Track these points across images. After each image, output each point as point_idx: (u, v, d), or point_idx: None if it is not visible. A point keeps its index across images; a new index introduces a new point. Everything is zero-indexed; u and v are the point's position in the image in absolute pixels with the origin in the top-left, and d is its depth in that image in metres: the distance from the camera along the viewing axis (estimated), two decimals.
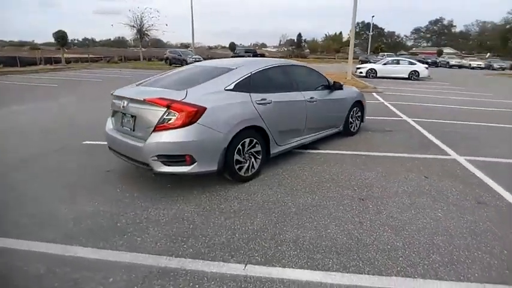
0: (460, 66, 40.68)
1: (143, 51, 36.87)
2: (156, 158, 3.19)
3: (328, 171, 4.10)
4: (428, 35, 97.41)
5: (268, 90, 4.08)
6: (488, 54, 58.11)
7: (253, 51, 36.63)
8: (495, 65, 39.36)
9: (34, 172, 3.96)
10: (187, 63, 26.99)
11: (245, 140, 3.62)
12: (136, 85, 4.08)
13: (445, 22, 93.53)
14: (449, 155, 4.83)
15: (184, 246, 2.47)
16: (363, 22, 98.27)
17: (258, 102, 3.81)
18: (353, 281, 2.12)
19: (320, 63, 48.17)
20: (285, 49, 74.75)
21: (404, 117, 7.74)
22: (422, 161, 4.58)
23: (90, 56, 33.70)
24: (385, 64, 21.78)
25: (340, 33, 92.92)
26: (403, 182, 3.81)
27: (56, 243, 2.47)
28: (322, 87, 5.10)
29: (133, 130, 3.44)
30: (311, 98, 4.67)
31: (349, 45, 18.67)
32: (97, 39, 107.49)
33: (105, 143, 3.96)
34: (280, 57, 54.51)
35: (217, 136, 3.35)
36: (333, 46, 77.67)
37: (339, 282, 2.10)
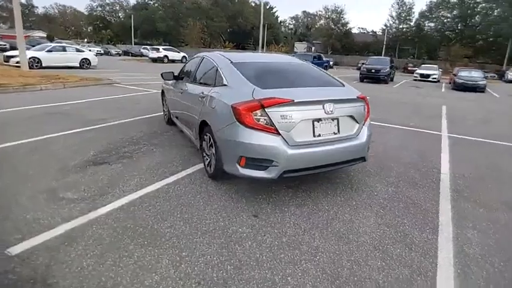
0: (102, 54, 40.70)
1: None
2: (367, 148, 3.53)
3: None
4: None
5: None
6: (86, 40, 61.16)
7: None
8: (113, 52, 43.41)
9: None
10: None
11: None
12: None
13: (24, 1, 69.19)
14: None
15: None
16: None
17: None
18: None
19: None
20: None
21: None
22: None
23: None
24: (50, 51, 18.48)
25: None
26: None
27: None
28: None
29: (339, 132, 3.26)
30: None
31: None
32: None
33: None
34: None
35: None
36: None
37: None
